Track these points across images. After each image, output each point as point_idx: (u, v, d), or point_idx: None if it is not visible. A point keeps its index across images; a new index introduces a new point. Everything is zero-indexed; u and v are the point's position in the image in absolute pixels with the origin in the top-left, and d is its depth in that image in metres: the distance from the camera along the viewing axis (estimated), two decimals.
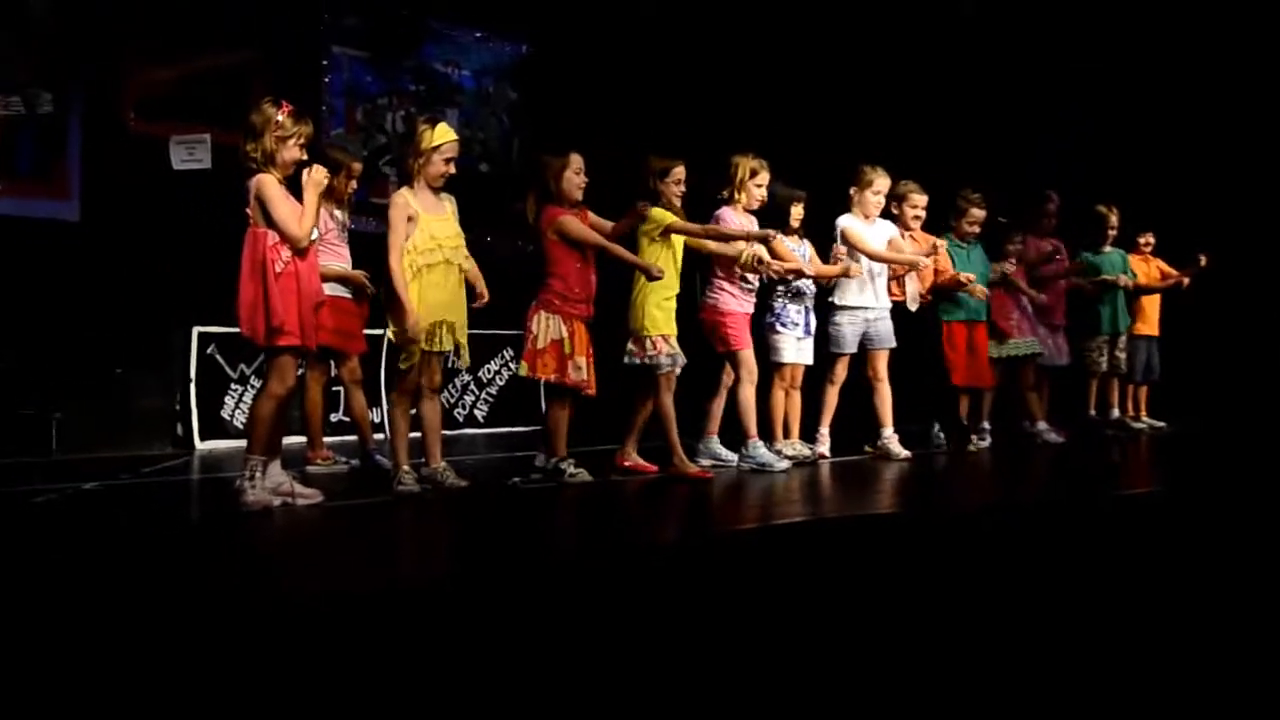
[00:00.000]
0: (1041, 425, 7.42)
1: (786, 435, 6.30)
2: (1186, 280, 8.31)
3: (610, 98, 9.05)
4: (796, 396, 6.36)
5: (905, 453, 6.41)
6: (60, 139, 7.11)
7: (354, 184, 5.82)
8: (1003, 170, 8.41)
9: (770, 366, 6.21)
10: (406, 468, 4.98)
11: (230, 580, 3.49)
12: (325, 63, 8.29)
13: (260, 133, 4.42)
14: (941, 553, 4.37)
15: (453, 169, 5.07)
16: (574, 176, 5.29)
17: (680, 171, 5.71)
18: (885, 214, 6.65)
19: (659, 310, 5.56)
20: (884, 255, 6.43)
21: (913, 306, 6.73)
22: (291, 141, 4.46)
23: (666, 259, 5.55)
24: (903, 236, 6.68)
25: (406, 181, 5.04)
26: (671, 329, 5.61)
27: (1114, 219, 8.09)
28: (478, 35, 9.19)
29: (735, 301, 5.92)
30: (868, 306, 6.45)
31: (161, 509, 4.94)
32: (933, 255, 6.60)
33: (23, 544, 4.04)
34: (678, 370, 5.59)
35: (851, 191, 6.52)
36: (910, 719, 2.83)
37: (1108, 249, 8.13)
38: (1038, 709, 2.86)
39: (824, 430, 6.47)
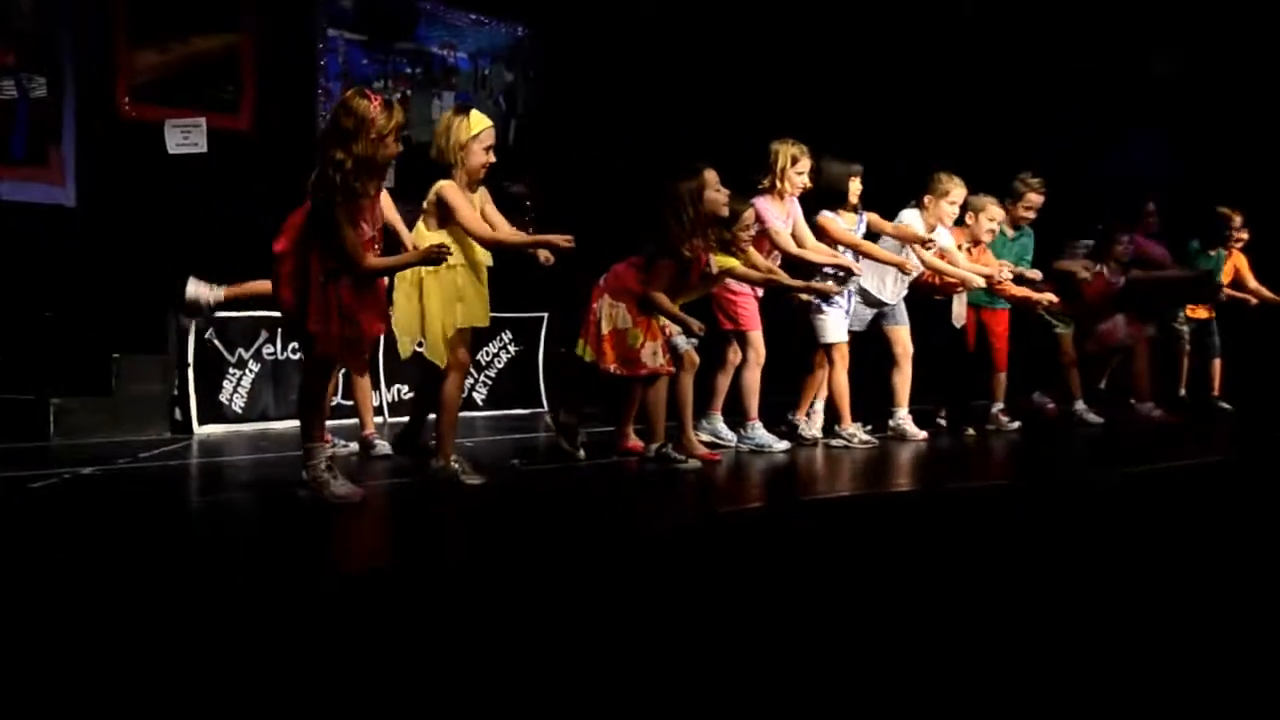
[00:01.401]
0: (1080, 405, 7.45)
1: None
2: (1255, 300, 8.22)
3: (609, 79, 9.03)
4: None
5: (921, 433, 6.39)
6: (54, 124, 7.06)
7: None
8: (1001, 170, 8.32)
9: (824, 349, 6.16)
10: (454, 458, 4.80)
11: (240, 567, 3.49)
12: (320, 46, 8.24)
13: (356, 134, 3.97)
14: (943, 532, 4.37)
15: (493, 157, 4.75)
16: (716, 195, 5.22)
17: (751, 215, 5.61)
18: (958, 223, 6.66)
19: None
20: (934, 264, 6.36)
21: (958, 324, 6.74)
22: (390, 139, 4.06)
23: None
24: (964, 250, 6.62)
25: (441, 174, 4.69)
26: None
27: (1238, 220, 8.05)
28: (473, 17, 9.15)
29: (746, 284, 5.89)
30: (886, 301, 6.42)
31: (161, 493, 4.93)
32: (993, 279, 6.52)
33: (21, 529, 4.03)
34: (694, 347, 5.56)
35: (926, 199, 6.42)
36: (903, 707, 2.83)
37: (1215, 250, 8.11)
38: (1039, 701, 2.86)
39: (818, 407, 6.45)
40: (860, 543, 4.24)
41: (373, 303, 4.25)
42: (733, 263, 5.50)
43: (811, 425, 6.39)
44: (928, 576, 3.71)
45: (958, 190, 6.42)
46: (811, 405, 6.44)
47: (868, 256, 6.20)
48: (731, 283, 5.84)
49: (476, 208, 4.74)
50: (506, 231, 4.82)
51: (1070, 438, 6.98)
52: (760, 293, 5.96)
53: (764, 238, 5.88)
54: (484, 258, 4.79)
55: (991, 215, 6.72)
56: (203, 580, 3.25)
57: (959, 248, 6.58)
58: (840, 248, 6.15)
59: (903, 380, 6.42)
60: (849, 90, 9.31)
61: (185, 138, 6.94)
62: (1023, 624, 3.25)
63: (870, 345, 6.51)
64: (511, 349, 8.41)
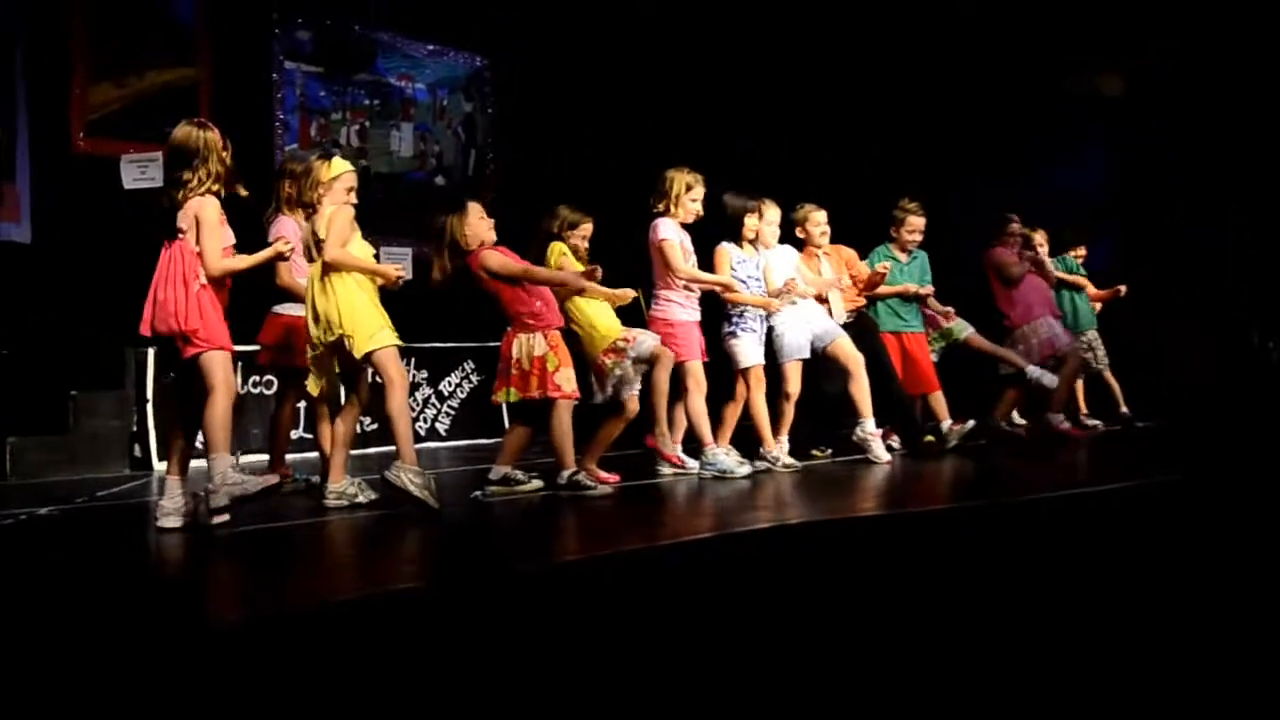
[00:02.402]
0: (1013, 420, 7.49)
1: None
2: (1098, 306, 8.44)
3: (568, 108, 9.08)
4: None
5: (886, 455, 6.37)
6: (9, 160, 7.03)
7: (320, 191, 5.78)
8: (1000, 169, 8.36)
9: (743, 375, 6.17)
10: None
11: (194, 602, 3.47)
12: (277, 78, 8.25)
13: (204, 156, 4.54)
14: (909, 553, 4.40)
15: (355, 199, 5.08)
16: (478, 222, 5.34)
17: (588, 228, 5.86)
18: (791, 240, 6.70)
19: (610, 325, 5.68)
20: (744, 299, 6.22)
21: (840, 320, 6.75)
22: (228, 155, 4.62)
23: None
24: (813, 255, 6.73)
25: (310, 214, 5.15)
26: (618, 330, 5.70)
27: (1039, 239, 8.16)
28: (430, 48, 9.18)
29: (684, 311, 5.94)
30: (805, 315, 6.39)
31: (119, 533, 4.89)
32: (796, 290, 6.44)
33: None
34: (659, 347, 5.64)
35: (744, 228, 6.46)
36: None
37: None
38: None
39: (782, 439, 6.46)
40: (818, 567, 4.27)
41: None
42: (561, 250, 5.73)
43: (781, 451, 6.40)
44: (882, 600, 3.74)
45: (771, 210, 6.46)
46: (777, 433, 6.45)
47: (731, 300, 6.20)
48: (669, 315, 5.90)
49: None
50: (353, 256, 5.05)
51: (1034, 457, 7.01)
52: (697, 319, 6.01)
53: (659, 253, 5.95)
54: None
55: (815, 221, 6.83)
56: (162, 619, 3.23)
57: (813, 256, 6.74)
58: (745, 277, 6.24)
59: (860, 390, 6.37)
60: (846, 94, 9.37)
61: (142, 172, 6.88)
62: (978, 644, 3.28)
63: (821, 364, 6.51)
64: (474, 379, 8.42)
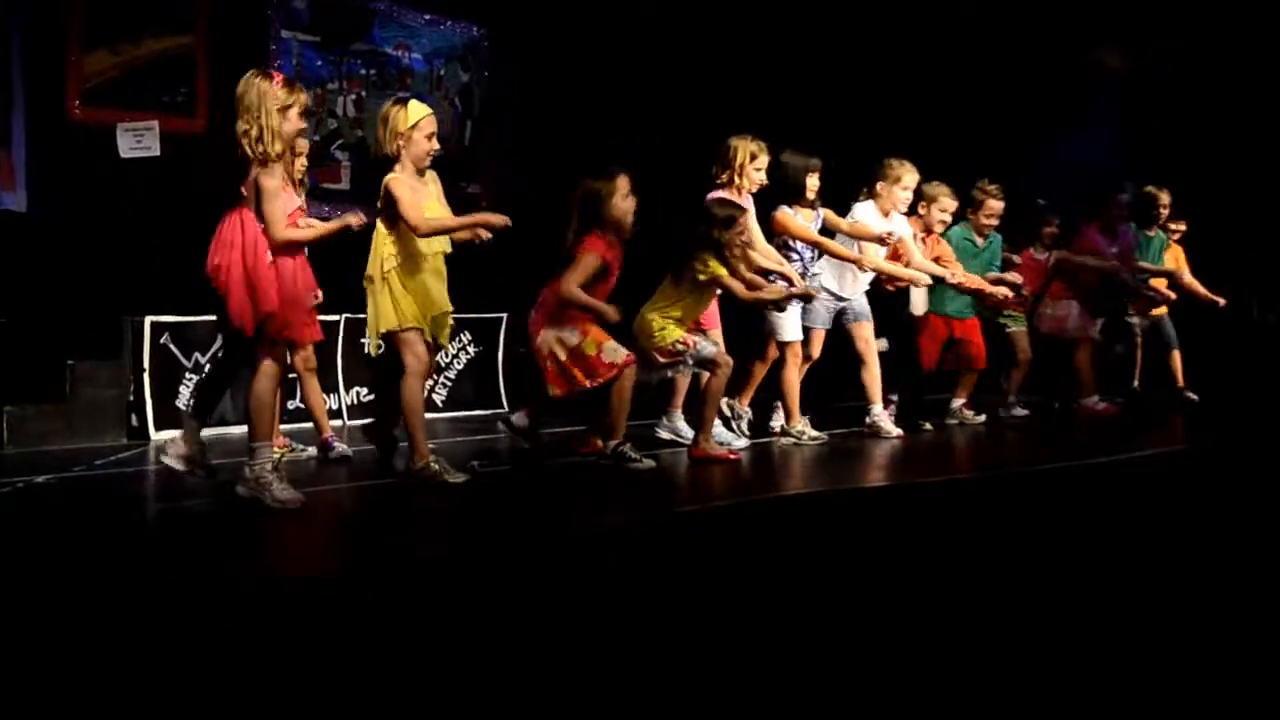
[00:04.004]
0: (1011, 399, 7.45)
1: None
2: (1204, 294, 8.24)
3: (565, 79, 9.04)
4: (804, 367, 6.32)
5: (896, 430, 6.36)
6: (4, 128, 6.99)
7: (302, 162, 5.74)
8: (1003, 166, 8.28)
9: (779, 347, 6.10)
10: (432, 458, 4.84)
11: (196, 571, 3.49)
12: (273, 47, 8.20)
13: (256, 109, 4.19)
14: (896, 528, 4.43)
15: (436, 145, 4.87)
16: (623, 202, 5.17)
17: (746, 221, 5.57)
18: (911, 210, 6.57)
19: (674, 322, 5.49)
20: (880, 266, 6.31)
21: (919, 311, 6.73)
22: (292, 112, 4.28)
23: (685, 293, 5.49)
24: (918, 239, 6.58)
25: (385, 168, 4.81)
26: (684, 330, 5.53)
27: (1164, 198, 8.08)
28: (427, 18, 9.13)
29: None
30: (845, 297, 6.33)
31: (117, 501, 4.90)
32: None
33: None
34: (720, 355, 5.54)
35: (879, 186, 6.38)
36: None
37: (1153, 231, 8.15)
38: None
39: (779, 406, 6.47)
40: (811, 540, 4.29)
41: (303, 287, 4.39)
42: (720, 271, 5.40)
43: (806, 425, 6.37)
44: (878, 572, 3.76)
45: (909, 175, 6.36)
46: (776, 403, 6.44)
47: (828, 253, 6.16)
48: None
49: (431, 197, 4.85)
50: (441, 217, 4.87)
51: (1030, 431, 7.05)
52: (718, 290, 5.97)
53: None
54: (439, 246, 4.88)
55: (944, 206, 6.67)
56: (157, 590, 3.25)
57: (913, 236, 6.60)
58: (799, 244, 6.14)
59: (871, 377, 6.35)
60: (812, 89, 9.32)
61: (138, 141, 6.89)
62: (980, 619, 3.30)
63: (837, 340, 6.48)
64: (471, 350, 8.41)
